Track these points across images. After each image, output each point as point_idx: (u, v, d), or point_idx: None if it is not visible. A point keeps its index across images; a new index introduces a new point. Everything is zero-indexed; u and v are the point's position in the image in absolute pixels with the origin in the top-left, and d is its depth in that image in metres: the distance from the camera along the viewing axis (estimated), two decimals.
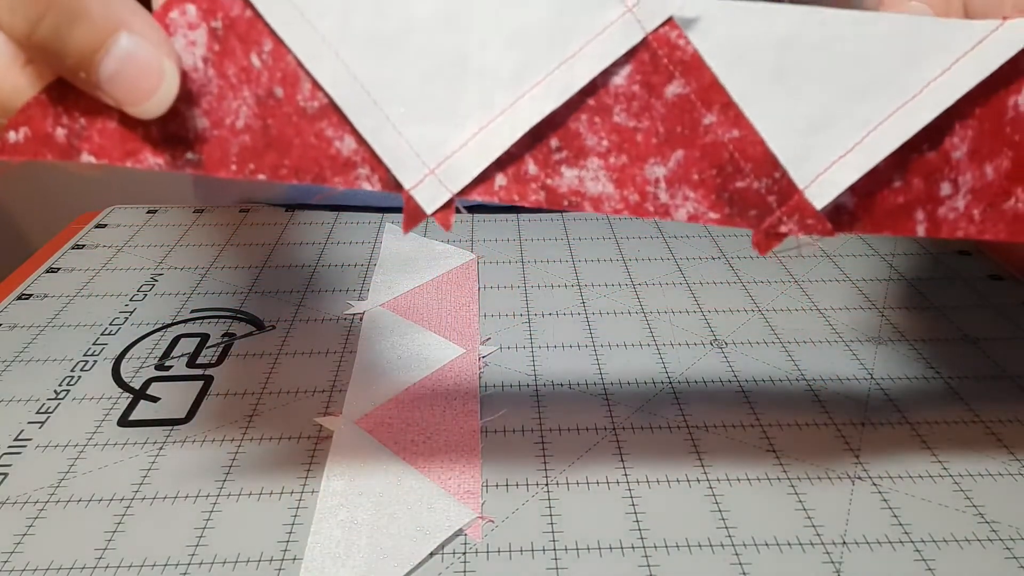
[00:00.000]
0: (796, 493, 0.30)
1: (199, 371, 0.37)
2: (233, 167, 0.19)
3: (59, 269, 0.47)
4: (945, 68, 0.21)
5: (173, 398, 0.35)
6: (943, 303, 0.42)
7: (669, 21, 0.20)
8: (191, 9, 0.19)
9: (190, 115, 0.19)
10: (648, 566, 0.27)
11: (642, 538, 0.28)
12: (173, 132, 0.19)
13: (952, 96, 0.21)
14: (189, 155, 0.19)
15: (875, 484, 0.30)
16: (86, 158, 0.19)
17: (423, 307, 0.42)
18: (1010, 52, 0.20)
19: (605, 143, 0.21)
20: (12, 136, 0.19)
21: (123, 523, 0.29)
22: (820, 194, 0.21)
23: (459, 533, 0.28)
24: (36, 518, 0.29)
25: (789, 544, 0.27)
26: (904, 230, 0.22)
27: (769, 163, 0.21)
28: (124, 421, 0.34)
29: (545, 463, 0.31)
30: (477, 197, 0.20)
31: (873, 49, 0.20)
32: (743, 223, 0.21)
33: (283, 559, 0.27)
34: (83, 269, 0.47)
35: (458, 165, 0.20)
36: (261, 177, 0.19)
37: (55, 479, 0.31)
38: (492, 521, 0.29)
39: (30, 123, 0.19)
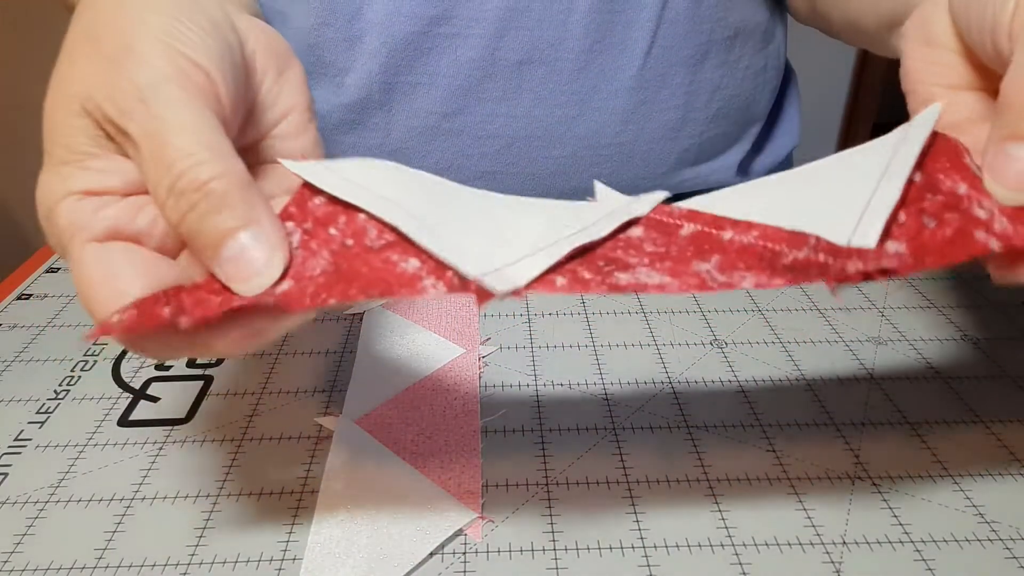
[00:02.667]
0: (796, 493, 0.30)
1: (199, 371, 0.37)
2: (307, 301, 0.21)
3: (59, 269, 0.47)
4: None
5: (173, 398, 0.35)
6: (943, 303, 0.42)
7: (658, 205, 0.25)
8: (289, 224, 0.23)
9: (280, 285, 0.22)
10: (648, 566, 0.27)
11: (642, 538, 0.28)
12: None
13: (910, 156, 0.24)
14: (270, 300, 0.21)
15: (875, 484, 0.30)
16: (184, 322, 0.21)
17: (423, 307, 0.42)
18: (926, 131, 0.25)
19: (646, 259, 0.23)
20: (117, 318, 0.21)
21: (123, 523, 0.29)
22: (865, 239, 0.23)
23: (459, 533, 0.28)
24: (36, 518, 0.29)
25: (789, 544, 0.27)
26: (975, 249, 0.22)
27: (798, 238, 0.23)
28: (124, 421, 0.34)
29: (545, 463, 0.31)
30: (541, 291, 0.22)
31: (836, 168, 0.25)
32: (811, 280, 0.23)
33: (283, 559, 0.27)
34: None
35: (518, 269, 0.22)
36: (332, 302, 0.21)
37: (55, 479, 0.31)
38: (492, 521, 0.29)
39: (139, 307, 0.21)
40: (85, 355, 0.39)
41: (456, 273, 0.21)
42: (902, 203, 0.23)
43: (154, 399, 0.35)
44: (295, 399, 0.35)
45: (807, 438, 0.33)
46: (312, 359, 0.38)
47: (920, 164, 0.24)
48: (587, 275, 0.23)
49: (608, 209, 0.25)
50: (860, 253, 0.22)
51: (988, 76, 0.28)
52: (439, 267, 0.22)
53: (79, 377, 0.37)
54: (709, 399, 0.35)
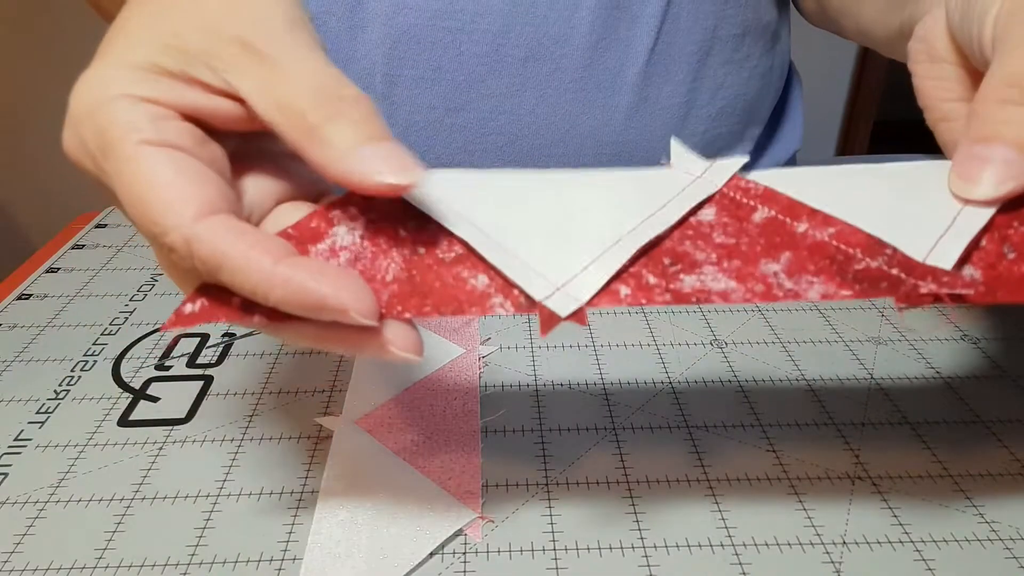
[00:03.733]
0: (796, 493, 0.30)
1: (199, 371, 0.37)
2: (384, 311, 0.22)
3: (59, 269, 0.47)
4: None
5: (173, 398, 0.35)
6: (943, 303, 0.42)
7: (734, 177, 0.24)
8: (352, 209, 0.23)
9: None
10: (648, 566, 0.27)
11: (642, 538, 0.28)
12: None
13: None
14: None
15: (875, 484, 0.30)
16: (258, 321, 0.21)
17: None
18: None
19: (713, 256, 0.23)
20: (189, 308, 0.21)
21: (123, 523, 0.29)
22: (943, 258, 0.22)
23: (459, 533, 0.28)
24: (36, 518, 0.29)
25: (789, 544, 0.27)
26: None
27: (876, 245, 0.23)
28: (124, 421, 0.34)
29: (545, 463, 0.31)
30: (605, 305, 0.22)
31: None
32: (879, 295, 0.22)
33: (283, 559, 0.27)
34: (83, 269, 0.47)
35: (581, 282, 0.22)
36: (408, 316, 0.22)
37: (55, 479, 0.31)
38: (492, 521, 0.29)
39: (207, 295, 0.21)
40: (85, 355, 0.39)
41: (522, 292, 0.22)
42: (987, 227, 0.23)
43: (154, 399, 0.35)
44: (295, 399, 0.35)
45: (807, 438, 0.33)
46: (312, 359, 0.38)
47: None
48: (652, 280, 0.22)
49: (680, 185, 0.24)
50: (935, 273, 0.22)
51: None
52: (506, 285, 0.22)
53: (79, 377, 0.37)
54: (709, 399, 0.35)
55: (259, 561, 0.27)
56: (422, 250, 0.23)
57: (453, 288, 0.22)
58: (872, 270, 0.22)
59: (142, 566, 0.27)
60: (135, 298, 0.44)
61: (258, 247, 0.21)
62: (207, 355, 0.39)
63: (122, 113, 0.21)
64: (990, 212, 0.22)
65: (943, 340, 0.39)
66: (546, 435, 0.33)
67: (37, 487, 0.30)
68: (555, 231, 0.23)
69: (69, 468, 0.31)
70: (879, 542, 0.28)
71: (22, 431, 0.33)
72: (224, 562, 0.27)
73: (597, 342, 0.39)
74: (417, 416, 0.34)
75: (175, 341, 0.40)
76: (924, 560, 0.27)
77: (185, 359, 0.38)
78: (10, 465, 0.31)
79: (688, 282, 0.22)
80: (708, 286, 0.22)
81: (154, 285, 0.45)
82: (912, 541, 0.28)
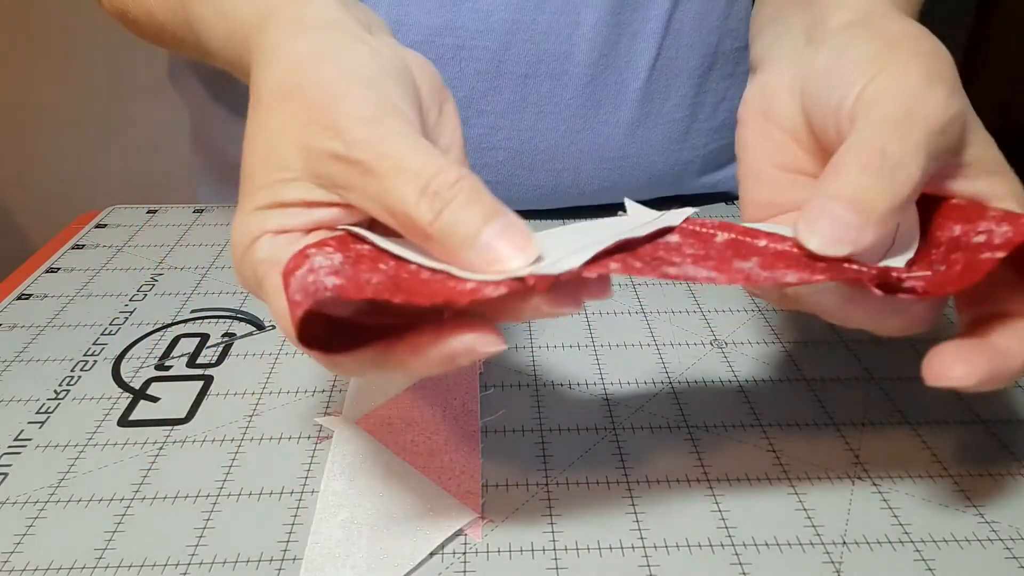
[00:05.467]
0: (796, 493, 0.30)
1: (199, 371, 0.37)
2: (370, 293, 0.22)
3: (59, 269, 0.47)
4: None
5: (173, 398, 0.35)
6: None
7: (687, 219, 0.26)
8: (327, 249, 0.24)
9: (329, 280, 0.22)
10: (648, 566, 0.27)
11: (642, 538, 0.28)
12: (315, 288, 0.22)
13: None
14: (328, 293, 0.22)
15: (875, 484, 0.30)
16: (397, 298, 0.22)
17: None
18: None
19: (689, 259, 0.24)
20: (331, 287, 0.22)
21: (123, 523, 0.29)
22: (895, 262, 0.24)
23: (459, 533, 0.28)
24: (36, 518, 0.29)
25: (789, 544, 0.27)
26: (985, 267, 0.23)
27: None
28: (124, 421, 0.34)
29: (545, 463, 0.31)
30: (596, 271, 0.22)
31: None
32: (849, 276, 0.23)
33: (283, 559, 0.27)
34: (83, 269, 0.47)
35: (569, 262, 0.22)
36: (397, 300, 0.22)
37: (55, 479, 0.31)
38: (492, 521, 0.29)
39: (349, 280, 0.23)
40: (85, 355, 0.39)
41: (510, 276, 0.22)
42: (913, 261, 0.25)
43: (154, 399, 0.35)
44: (295, 399, 0.35)
45: (807, 438, 0.33)
46: (312, 359, 0.38)
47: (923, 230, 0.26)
48: (637, 264, 0.23)
49: (640, 221, 0.26)
50: (894, 269, 0.24)
51: (817, 163, 0.29)
52: (495, 282, 0.23)
53: (79, 377, 0.37)
54: (709, 399, 0.35)
55: (259, 561, 0.27)
56: (404, 275, 0.23)
57: (441, 285, 0.22)
58: (837, 265, 0.23)
59: (142, 566, 0.27)
60: (135, 298, 0.44)
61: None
62: (207, 355, 0.39)
63: (262, 251, 0.25)
64: (915, 245, 0.25)
65: (943, 340, 0.39)
66: (546, 435, 0.33)
67: (37, 487, 0.30)
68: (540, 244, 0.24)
69: (69, 468, 0.31)
70: (879, 542, 0.28)
71: (22, 431, 0.33)
72: (224, 562, 0.27)
73: (597, 342, 0.39)
74: (417, 416, 0.34)
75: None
76: (924, 560, 0.27)
77: (185, 359, 0.38)
78: (10, 465, 0.31)
79: (672, 270, 0.23)
80: (691, 273, 0.23)
81: (154, 285, 0.45)
82: (912, 541, 0.28)
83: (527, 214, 0.53)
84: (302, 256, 0.24)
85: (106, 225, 0.53)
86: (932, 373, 0.24)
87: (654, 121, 0.50)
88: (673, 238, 0.25)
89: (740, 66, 0.51)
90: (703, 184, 0.54)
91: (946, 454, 0.32)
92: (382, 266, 0.24)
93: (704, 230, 0.26)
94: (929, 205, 0.26)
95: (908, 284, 0.23)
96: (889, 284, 0.23)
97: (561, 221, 0.53)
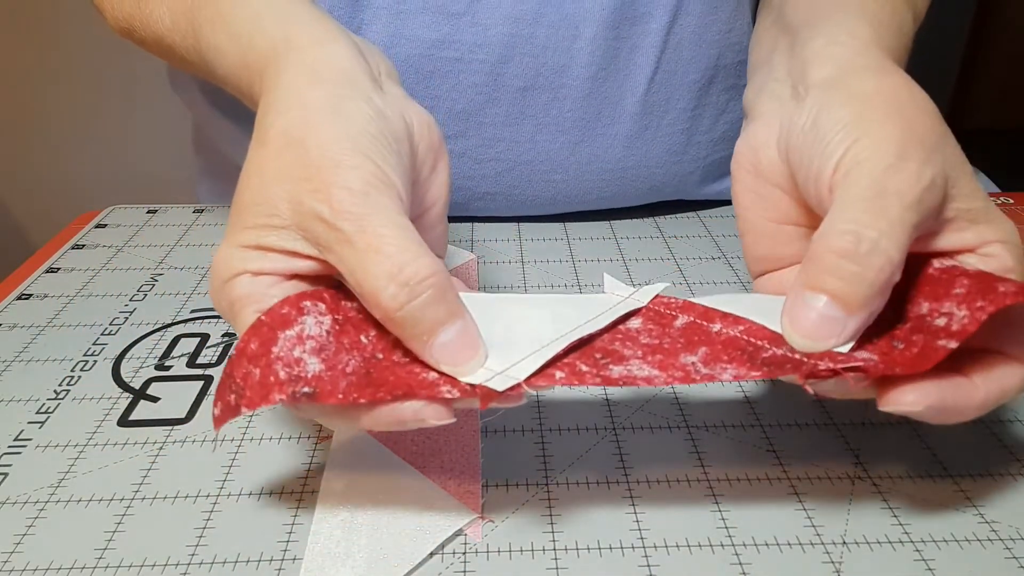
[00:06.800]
0: (796, 493, 0.30)
1: (199, 371, 0.37)
2: (340, 396, 0.24)
3: (59, 269, 0.47)
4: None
5: (173, 398, 0.35)
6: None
7: (658, 296, 0.29)
8: (321, 305, 0.26)
9: (312, 362, 0.24)
10: (648, 566, 0.27)
11: (642, 538, 0.28)
12: (297, 374, 0.24)
13: None
14: (305, 389, 0.24)
15: (875, 484, 0.30)
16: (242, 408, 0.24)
17: None
18: None
19: (639, 352, 0.26)
20: (234, 398, 0.25)
21: (123, 523, 0.29)
22: (840, 346, 0.25)
23: (459, 533, 0.28)
24: (36, 518, 0.29)
25: (789, 544, 0.27)
26: (938, 357, 0.24)
27: (780, 338, 0.26)
28: (124, 421, 0.34)
29: (545, 463, 0.31)
30: (541, 384, 0.25)
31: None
32: (784, 374, 0.25)
33: (283, 559, 0.27)
34: (83, 269, 0.47)
35: (519, 368, 0.25)
36: (362, 401, 0.24)
37: (55, 479, 0.31)
38: (492, 521, 0.29)
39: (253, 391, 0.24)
40: (85, 355, 0.39)
41: (465, 382, 0.24)
42: (875, 328, 0.25)
43: (154, 399, 0.35)
44: None
45: (807, 438, 0.33)
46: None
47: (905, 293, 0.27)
48: (584, 367, 0.25)
49: (611, 303, 0.28)
50: (832, 356, 0.24)
51: (811, 215, 0.29)
52: (453, 378, 0.25)
53: (79, 377, 0.37)
54: (709, 399, 0.35)
55: (259, 561, 0.27)
56: (380, 356, 0.26)
57: (407, 378, 0.25)
58: (777, 356, 0.25)
59: (142, 566, 0.27)
60: (135, 298, 0.44)
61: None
62: (207, 355, 0.39)
63: (240, 287, 0.26)
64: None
65: None
66: (546, 435, 0.33)
67: (37, 487, 0.30)
68: (501, 341, 0.26)
69: (69, 468, 0.31)
70: (879, 542, 0.28)
71: (22, 431, 0.33)
72: (224, 562, 0.27)
73: None
74: None
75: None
76: (924, 560, 0.27)
77: (185, 359, 0.38)
78: (10, 465, 0.31)
79: (616, 371, 0.25)
80: (634, 374, 0.25)
81: (154, 285, 0.45)
82: (912, 541, 0.28)
83: (527, 220, 0.53)
84: (297, 309, 0.25)
85: (106, 225, 0.53)
86: (884, 398, 0.25)
87: (653, 134, 0.49)
88: (635, 323, 0.28)
89: (742, 79, 0.51)
90: (706, 192, 0.54)
91: (946, 454, 0.32)
92: (363, 339, 0.26)
93: (667, 311, 0.28)
94: (909, 270, 0.26)
95: (852, 365, 0.24)
96: (821, 372, 0.24)
97: (561, 226, 0.53)
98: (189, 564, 0.27)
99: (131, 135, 1.45)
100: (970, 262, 0.26)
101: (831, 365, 0.24)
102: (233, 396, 0.24)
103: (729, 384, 0.36)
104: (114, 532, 0.28)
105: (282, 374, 0.24)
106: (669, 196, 0.53)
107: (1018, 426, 0.33)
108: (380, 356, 0.26)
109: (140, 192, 1.45)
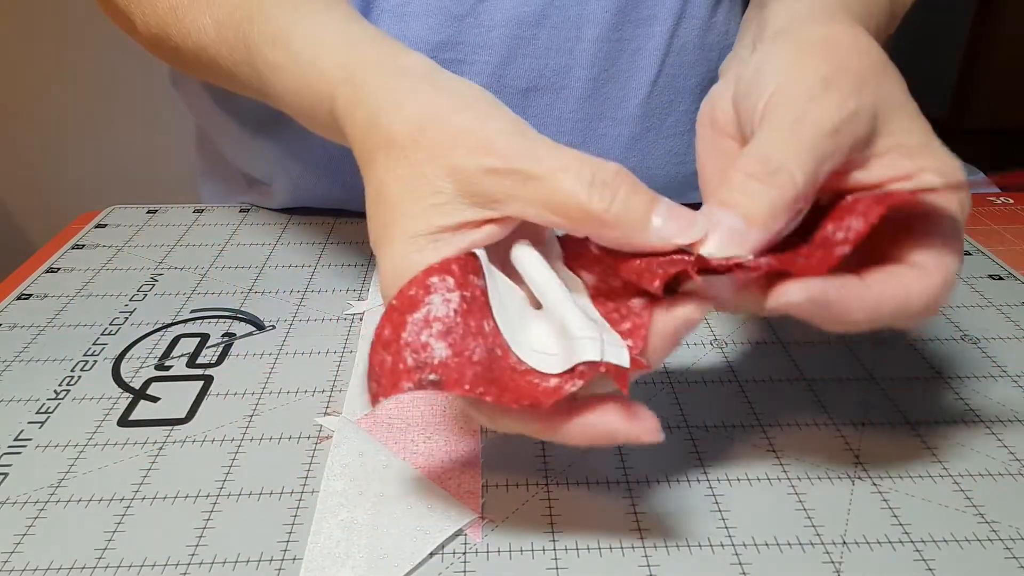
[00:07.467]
0: (796, 493, 0.30)
1: (199, 371, 0.37)
2: (466, 387, 0.24)
3: (59, 269, 0.47)
4: None
5: (173, 398, 0.35)
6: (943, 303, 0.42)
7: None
8: (450, 281, 0.25)
9: (439, 348, 0.24)
10: (648, 566, 0.27)
11: (642, 538, 0.28)
12: (424, 360, 0.24)
13: None
14: (431, 376, 0.24)
15: (875, 484, 0.30)
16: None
17: None
18: None
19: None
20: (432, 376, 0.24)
21: (123, 523, 0.29)
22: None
23: (459, 533, 0.28)
24: (36, 518, 0.29)
25: (789, 544, 0.27)
26: (832, 261, 0.24)
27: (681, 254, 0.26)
28: (124, 421, 0.34)
29: (545, 463, 0.31)
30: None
31: None
32: (678, 268, 0.25)
33: (283, 559, 0.27)
34: (83, 269, 0.47)
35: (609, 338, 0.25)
36: (488, 399, 0.24)
37: (55, 479, 0.31)
38: (492, 521, 0.29)
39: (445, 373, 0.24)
40: (85, 355, 0.39)
41: (581, 363, 0.24)
42: (780, 250, 0.25)
43: (154, 399, 0.35)
44: (295, 399, 0.35)
45: (807, 438, 0.33)
46: (312, 359, 0.38)
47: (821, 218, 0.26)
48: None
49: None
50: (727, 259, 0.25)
51: None
52: (570, 371, 0.24)
53: (79, 377, 0.37)
54: (709, 399, 0.35)
55: (259, 561, 0.27)
56: (498, 351, 0.25)
57: (528, 387, 0.24)
58: (676, 259, 0.25)
59: (142, 566, 0.27)
60: (135, 298, 0.44)
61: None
62: (207, 355, 0.39)
63: None
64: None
65: (943, 340, 0.39)
66: None
67: (37, 487, 0.30)
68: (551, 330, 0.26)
69: (69, 468, 0.31)
70: (879, 542, 0.28)
71: (22, 431, 0.33)
72: (224, 562, 0.27)
73: None
74: (417, 416, 0.34)
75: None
76: (924, 560, 0.27)
77: (185, 359, 0.38)
78: (10, 465, 0.31)
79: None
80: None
81: (154, 285, 0.45)
82: (912, 541, 0.28)
83: None
84: (424, 288, 0.25)
85: (106, 225, 0.53)
86: (770, 296, 0.25)
87: (655, 136, 0.49)
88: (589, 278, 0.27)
89: None
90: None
91: (946, 454, 0.32)
92: (486, 326, 0.25)
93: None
94: (830, 205, 0.27)
95: (743, 262, 0.24)
96: (718, 266, 0.24)
97: None
98: (189, 564, 0.27)
99: (131, 135, 1.45)
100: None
101: (723, 262, 0.24)
102: (374, 384, 0.24)
103: (729, 384, 0.36)
104: (114, 532, 0.28)
105: (410, 360, 0.24)
106: (672, 198, 0.53)
107: (1018, 426, 0.33)
108: (499, 352, 0.25)
109: (140, 192, 1.45)
